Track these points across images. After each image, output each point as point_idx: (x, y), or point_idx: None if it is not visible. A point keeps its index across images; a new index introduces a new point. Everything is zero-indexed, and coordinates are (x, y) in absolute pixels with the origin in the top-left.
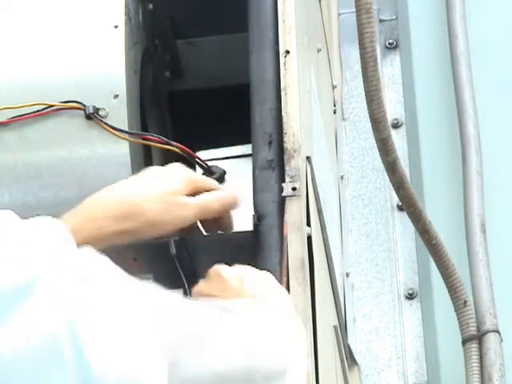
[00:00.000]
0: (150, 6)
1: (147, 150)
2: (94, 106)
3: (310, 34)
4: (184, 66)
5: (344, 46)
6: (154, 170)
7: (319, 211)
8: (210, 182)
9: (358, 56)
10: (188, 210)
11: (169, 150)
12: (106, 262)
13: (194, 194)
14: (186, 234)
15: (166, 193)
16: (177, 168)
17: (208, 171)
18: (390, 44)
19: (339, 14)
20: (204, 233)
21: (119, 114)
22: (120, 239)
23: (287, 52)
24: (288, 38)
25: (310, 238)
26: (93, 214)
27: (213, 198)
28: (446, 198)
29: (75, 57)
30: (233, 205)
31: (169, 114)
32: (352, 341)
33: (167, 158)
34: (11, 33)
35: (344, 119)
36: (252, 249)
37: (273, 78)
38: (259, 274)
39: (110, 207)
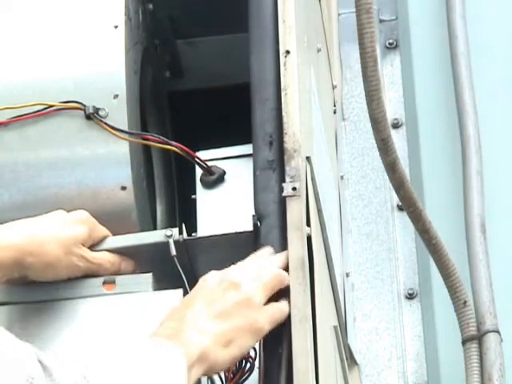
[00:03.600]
0: (150, 5)
1: (147, 149)
2: (93, 106)
3: (310, 33)
4: (184, 66)
5: (344, 46)
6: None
7: (319, 211)
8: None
9: (358, 56)
10: (85, 263)
11: (169, 149)
12: None
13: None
14: None
15: (73, 243)
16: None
17: (208, 171)
18: (390, 44)
19: (339, 14)
20: None
21: (119, 113)
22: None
23: (287, 52)
24: (288, 38)
25: (309, 238)
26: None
27: (108, 259)
28: (446, 198)
29: (75, 57)
30: (127, 268)
31: (169, 114)
32: (352, 341)
33: (167, 157)
34: (11, 33)
35: (344, 119)
36: (252, 249)
37: (273, 78)
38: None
39: (17, 238)
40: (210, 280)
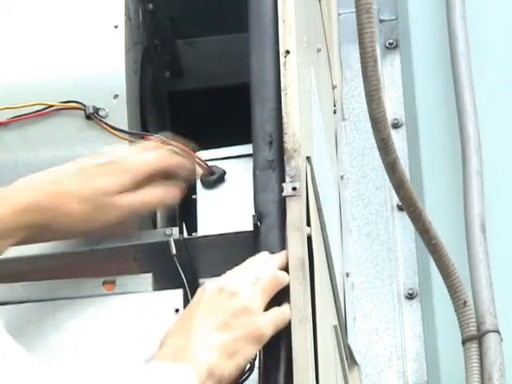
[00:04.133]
0: (150, 5)
1: None
2: (93, 106)
3: (310, 33)
4: (184, 66)
5: (344, 46)
6: (94, 163)
7: (319, 211)
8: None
9: (358, 56)
10: (118, 211)
11: None
12: None
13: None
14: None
15: (101, 193)
16: (120, 160)
17: (208, 171)
18: (390, 44)
19: (339, 14)
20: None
21: (119, 113)
22: (37, 233)
23: (287, 52)
24: (288, 38)
25: (309, 238)
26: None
27: (142, 198)
28: (446, 198)
29: (75, 57)
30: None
31: (169, 114)
32: (352, 341)
33: None
34: (11, 33)
35: (344, 119)
36: (252, 249)
37: (273, 78)
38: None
39: (36, 197)
40: (208, 291)
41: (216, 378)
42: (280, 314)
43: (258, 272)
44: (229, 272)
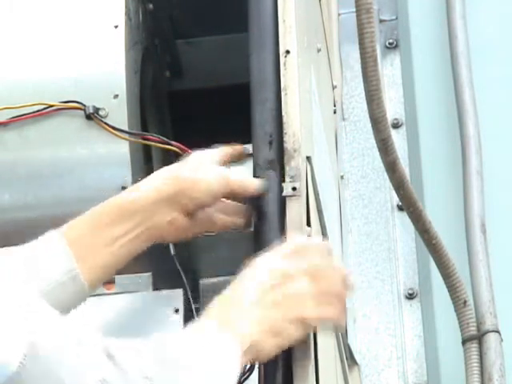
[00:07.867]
0: (150, 5)
1: (147, 149)
2: (94, 106)
3: (310, 34)
4: (184, 66)
5: (344, 46)
6: None
7: (319, 211)
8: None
9: (358, 56)
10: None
11: (169, 149)
12: None
13: None
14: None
15: None
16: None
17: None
18: (390, 44)
19: (339, 14)
20: None
21: (119, 113)
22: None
23: (287, 52)
24: (288, 38)
25: None
26: None
27: None
28: (446, 198)
29: (75, 57)
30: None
31: (169, 114)
32: (352, 341)
33: (167, 157)
34: (11, 33)
35: (344, 119)
36: (252, 249)
37: (273, 79)
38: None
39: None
40: (264, 269)
41: (256, 353)
42: (330, 312)
43: (317, 263)
44: (284, 254)
